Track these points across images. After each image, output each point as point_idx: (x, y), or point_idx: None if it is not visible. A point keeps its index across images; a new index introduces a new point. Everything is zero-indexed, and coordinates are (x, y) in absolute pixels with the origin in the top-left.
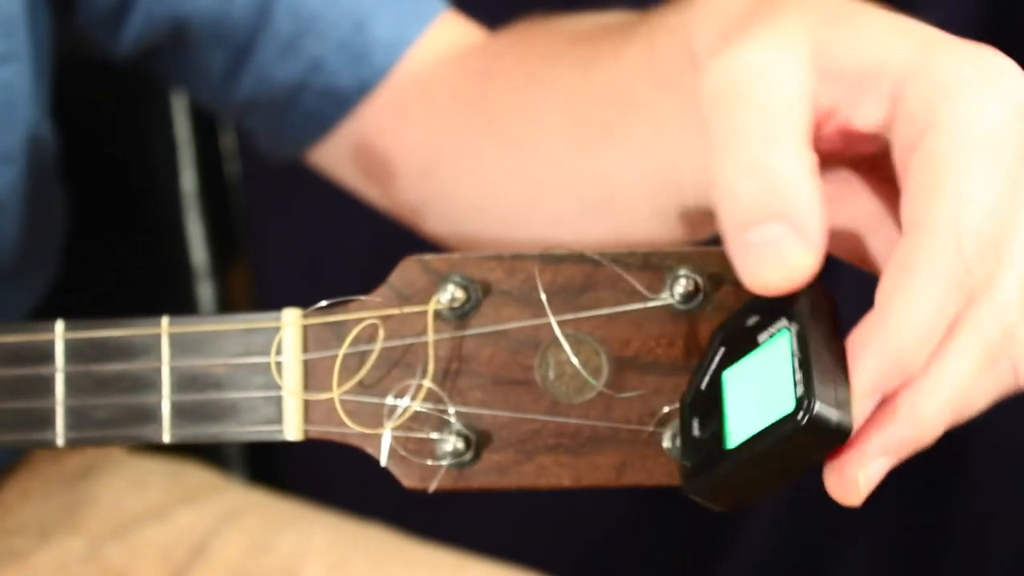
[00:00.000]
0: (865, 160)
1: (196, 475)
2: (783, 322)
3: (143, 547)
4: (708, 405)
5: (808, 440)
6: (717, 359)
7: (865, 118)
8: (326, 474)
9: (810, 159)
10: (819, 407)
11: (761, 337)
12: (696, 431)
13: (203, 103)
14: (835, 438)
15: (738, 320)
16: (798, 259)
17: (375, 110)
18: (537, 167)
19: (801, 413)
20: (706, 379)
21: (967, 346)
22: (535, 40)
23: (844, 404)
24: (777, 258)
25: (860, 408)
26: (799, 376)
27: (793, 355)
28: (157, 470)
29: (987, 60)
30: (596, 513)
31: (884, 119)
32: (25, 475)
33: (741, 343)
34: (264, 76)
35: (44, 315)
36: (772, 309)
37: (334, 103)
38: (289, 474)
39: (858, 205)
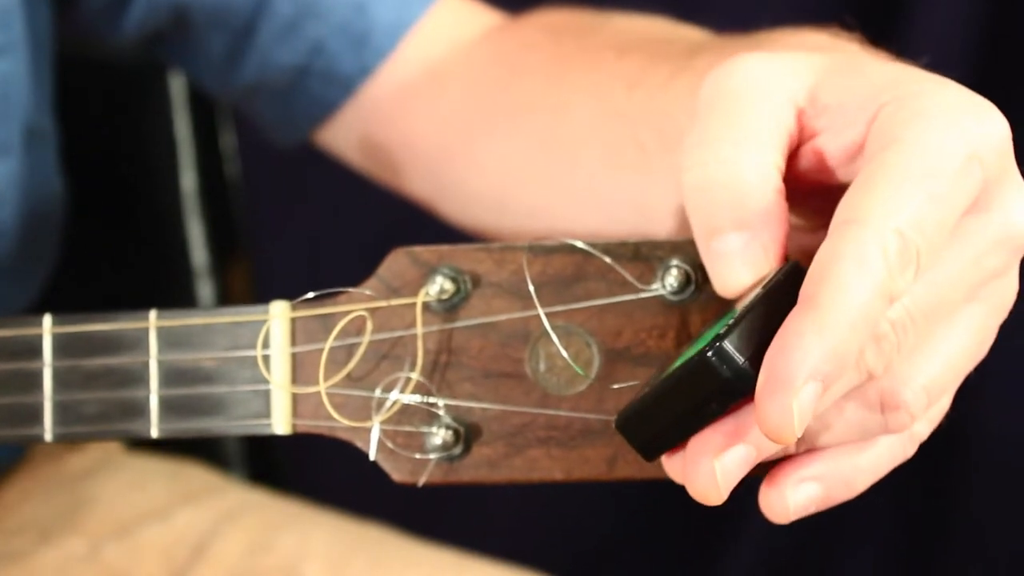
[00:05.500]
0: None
1: (196, 475)
2: (759, 290)
3: (143, 547)
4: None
5: (709, 376)
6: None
7: (843, 143)
8: (326, 474)
9: (778, 166)
10: (726, 345)
11: (739, 303)
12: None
13: (208, 89)
14: (736, 383)
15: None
16: (753, 269)
17: (379, 95)
18: (563, 173)
19: (709, 349)
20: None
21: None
22: (570, 40)
23: (755, 360)
24: (736, 266)
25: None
26: (729, 323)
27: (738, 310)
28: (157, 470)
29: (967, 98)
30: (597, 513)
31: (859, 142)
32: (25, 475)
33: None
34: (266, 59)
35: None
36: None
37: (336, 86)
38: (289, 474)
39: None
